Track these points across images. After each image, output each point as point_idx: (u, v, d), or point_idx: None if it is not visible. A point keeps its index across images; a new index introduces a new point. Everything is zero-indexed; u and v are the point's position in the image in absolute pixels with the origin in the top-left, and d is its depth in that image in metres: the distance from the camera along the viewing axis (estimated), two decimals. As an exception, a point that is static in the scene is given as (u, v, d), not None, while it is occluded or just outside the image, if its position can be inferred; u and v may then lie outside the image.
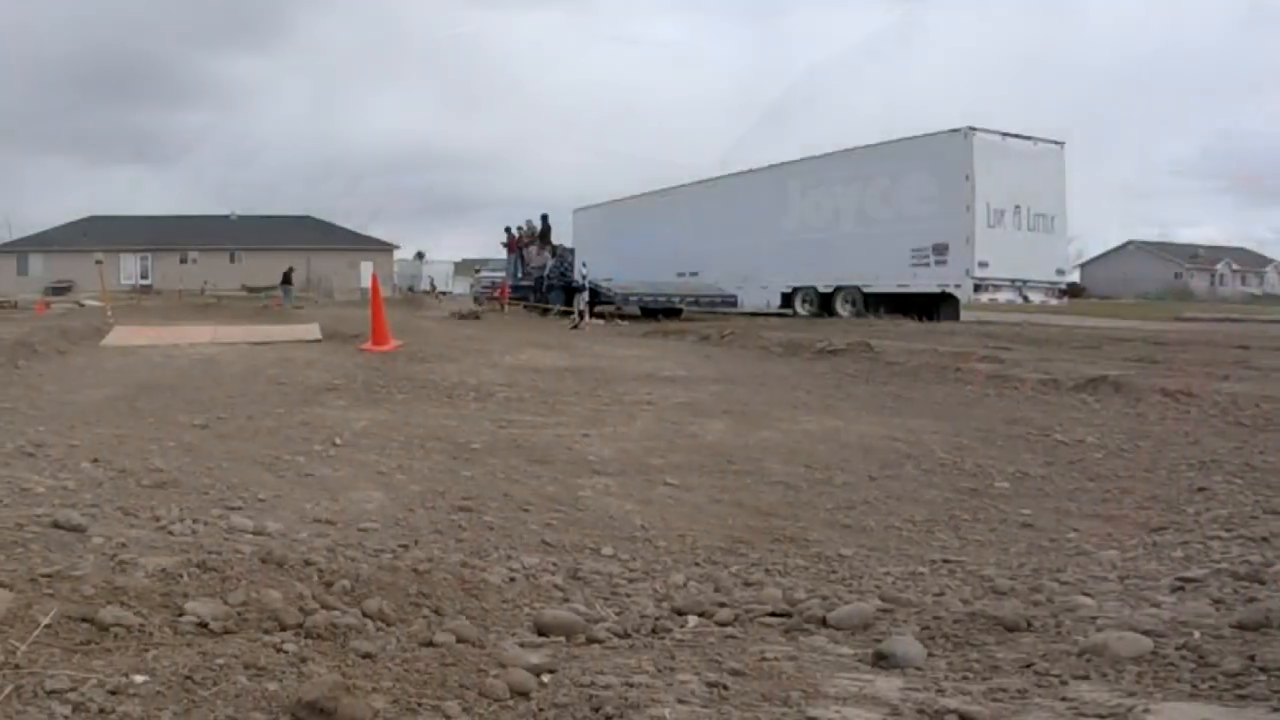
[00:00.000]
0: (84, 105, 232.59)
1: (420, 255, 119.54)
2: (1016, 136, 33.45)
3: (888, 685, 3.48)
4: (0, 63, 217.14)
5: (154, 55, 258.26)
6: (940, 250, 33.00)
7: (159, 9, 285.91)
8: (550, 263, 44.56)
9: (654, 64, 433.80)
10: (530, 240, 47.78)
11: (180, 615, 3.89)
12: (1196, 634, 3.75)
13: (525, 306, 42.64)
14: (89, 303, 49.08)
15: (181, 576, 4.31)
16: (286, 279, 64.26)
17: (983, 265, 32.09)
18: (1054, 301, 35.42)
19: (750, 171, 43.46)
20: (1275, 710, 3.07)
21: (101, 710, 2.94)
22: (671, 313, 39.04)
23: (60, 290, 78.72)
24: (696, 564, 6.16)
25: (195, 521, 6.02)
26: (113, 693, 3.05)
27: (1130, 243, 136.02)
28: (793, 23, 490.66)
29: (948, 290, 33.42)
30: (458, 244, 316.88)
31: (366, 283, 38.13)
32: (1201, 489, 7.76)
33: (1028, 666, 3.64)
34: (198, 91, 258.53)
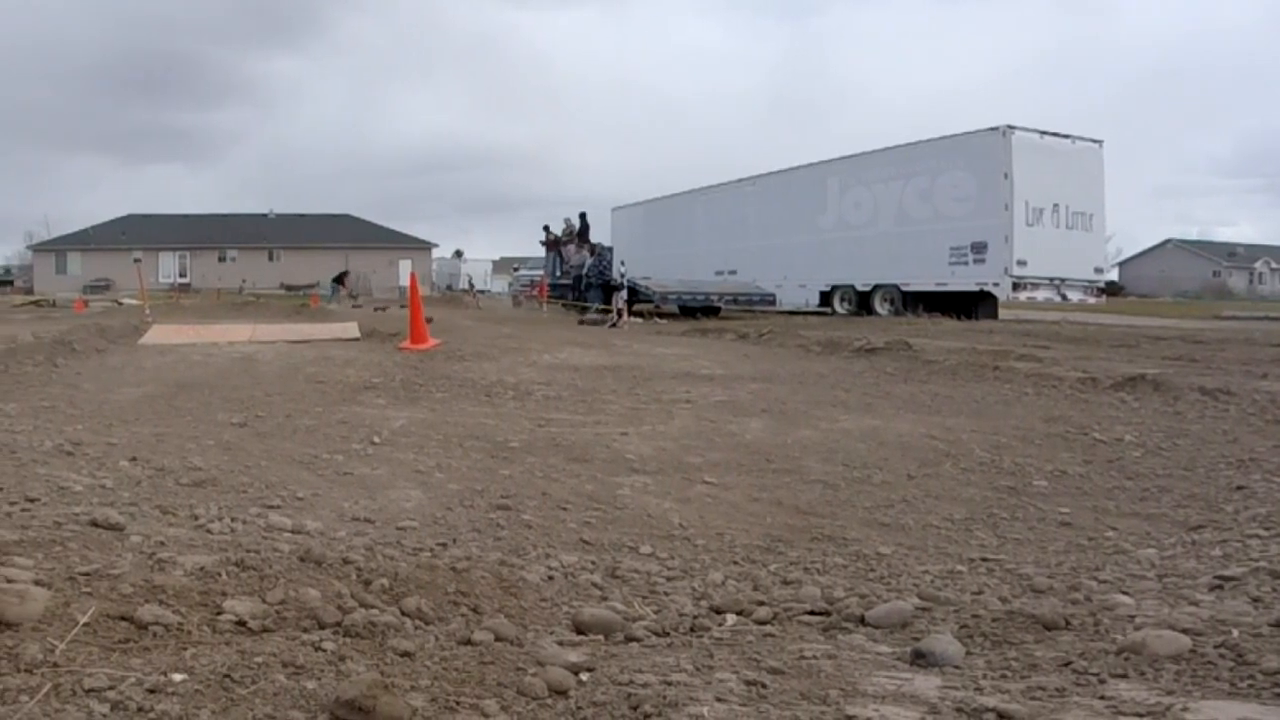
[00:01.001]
0: (122, 104, 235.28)
1: (459, 253, 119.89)
2: (1055, 135, 33.54)
3: (926, 684, 3.47)
4: (39, 62, 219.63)
5: (191, 55, 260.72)
6: (979, 249, 33.13)
7: (196, 9, 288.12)
8: (589, 261, 44.49)
9: (689, 63, 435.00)
10: (569, 239, 47.75)
11: (219, 614, 3.90)
12: (1235, 632, 3.72)
13: (564, 305, 42.64)
14: (127, 301, 49.47)
15: (220, 575, 4.33)
16: (339, 279, 64.27)
17: (1021, 264, 32.22)
18: (1092, 300, 35.46)
19: (789, 170, 43.58)
20: None
21: (140, 709, 2.95)
22: (710, 311, 39.12)
23: (98, 289, 79.42)
24: (735, 562, 6.15)
25: (234, 520, 6.06)
26: (151, 691, 3.06)
27: (1169, 241, 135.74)
28: (827, 22, 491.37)
29: (986, 289, 33.52)
30: (496, 242, 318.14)
31: (405, 281, 38.19)
32: (1240, 487, 7.73)
33: (1066, 665, 3.62)
34: (235, 90, 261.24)
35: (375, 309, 41.67)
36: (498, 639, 4.01)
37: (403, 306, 44.20)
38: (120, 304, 48.68)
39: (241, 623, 3.85)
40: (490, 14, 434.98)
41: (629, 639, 4.33)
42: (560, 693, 3.40)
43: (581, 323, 31.06)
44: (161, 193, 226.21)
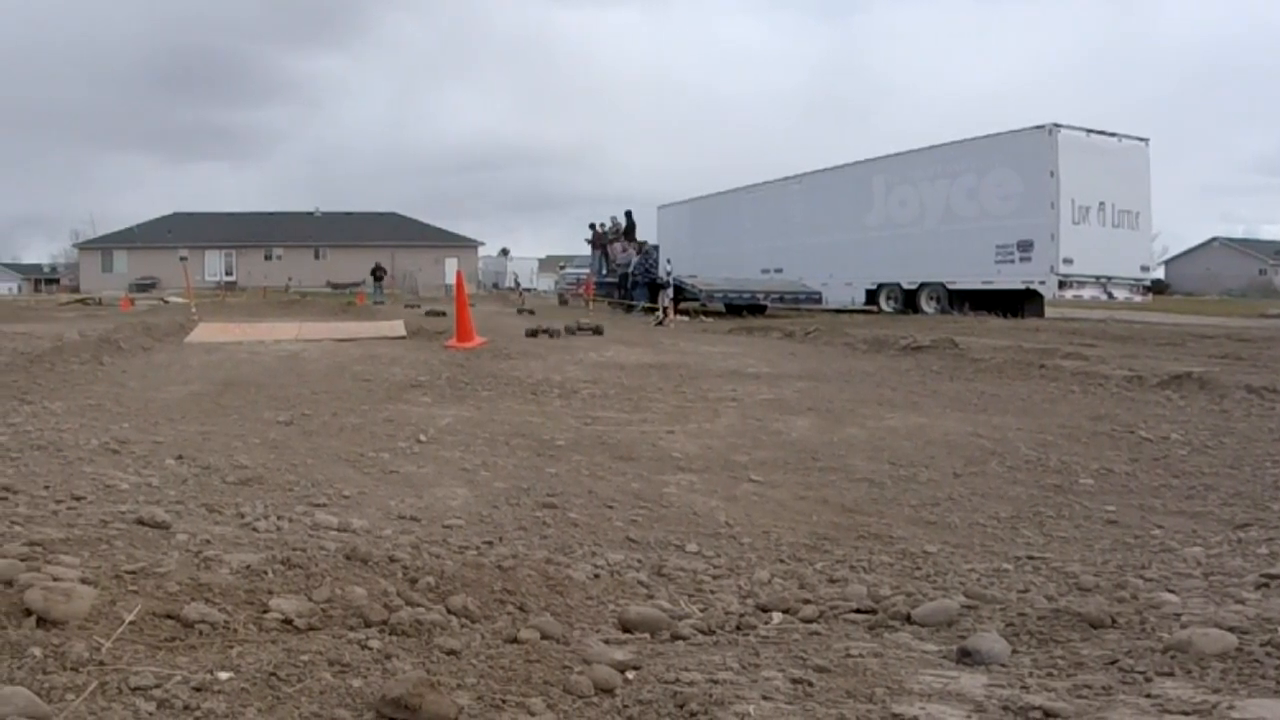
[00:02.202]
0: (166, 103, 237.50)
1: (505, 251, 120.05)
2: (1101, 133, 33.37)
3: (972, 682, 3.46)
4: (83, 62, 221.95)
5: (237, 53, 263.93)
6: (1025, 247, 33.04)
7: (240, 8, 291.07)
8: (635, 259, 44.68)
9: (732, 62, 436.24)
10: (615, 237, 47.94)
11: (265, 612, 3.94)
12: (1281, 630, 3.71)
13: (610, 303, 42.86)
14: (173, 299, 49.72)
15: (266, 573, 4.36)
16: (376, 275, 64.43)
17: (1067, 262, 32.12)
18: (1138, 298, 35.28)
19: (835, 168, 43.51)
20: None
21: (186, 707, 2.97)
22: (756, 309, 39.22)
23: (145, 287, 79.79)
24: (781, 560, 6.16)
25: (280, 518, 6.12)
26: (197, 689, 3.09)
27: (1214, 239, 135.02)
28: (871, 20, 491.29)
29: (1032, 287, 33.34)
30: (541, 240, 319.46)
31: (451, 279, 38.20)
32: (1286, 485, 7.67)
33: (1112, 663, 3.60)
34: (279, 89, 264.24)
35: (406, 305, 41.28)
36: (544, 637, 4.04)
37: (380, 303, 43.95)
38: (166, 302, 48.96)
39: (288, 621, 3.88)
40: (532, 12, 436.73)
41: (675, 637, 4.34)
42: (606, 691, 3.41)
43: (533, 334, 25.95)
44: (207, 191, 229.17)
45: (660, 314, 33.68)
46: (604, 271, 47.96)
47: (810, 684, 3.45)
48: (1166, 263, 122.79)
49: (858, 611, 4.68)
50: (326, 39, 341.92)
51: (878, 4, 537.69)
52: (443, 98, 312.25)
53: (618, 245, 46.92)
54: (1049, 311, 34.72)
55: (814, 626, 4.51)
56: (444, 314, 30.55)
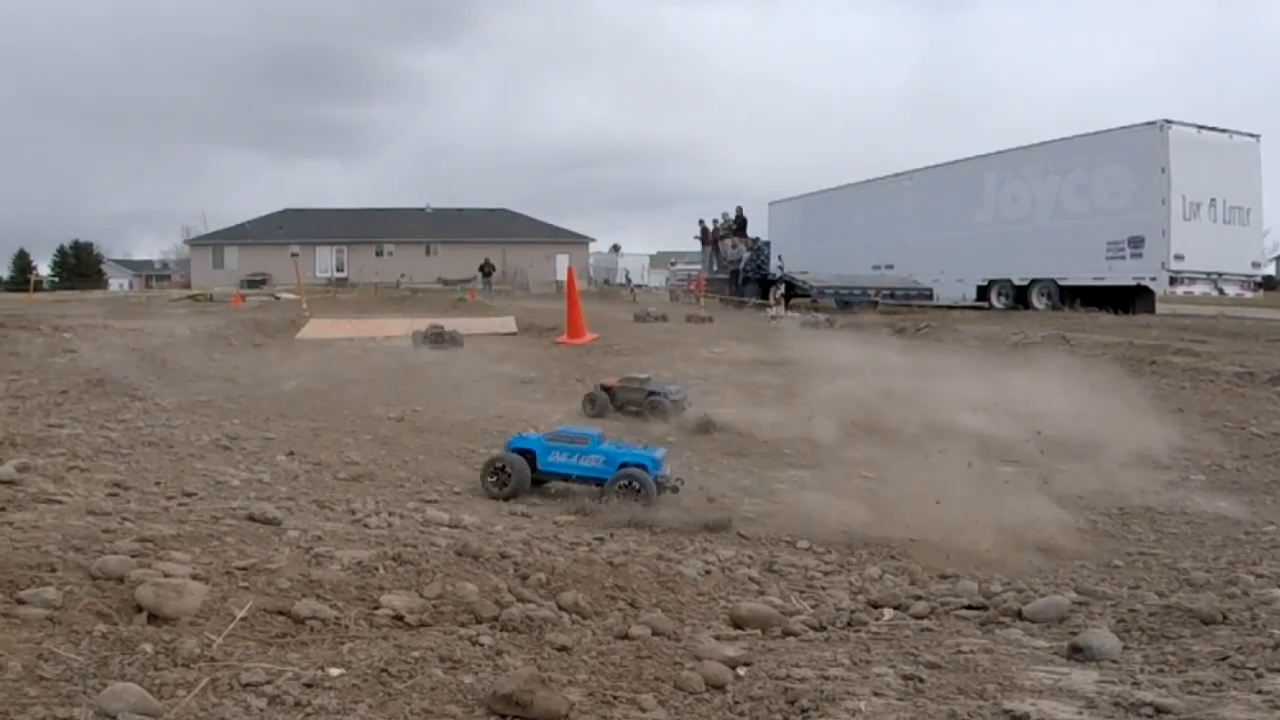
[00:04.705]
0: (278, 100, 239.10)
1: (616, 248, 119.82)
2: (1212, 129, 32.79)
3: (1083, 678, 3.48)
4: (196, 59, 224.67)
5: (343, 50, 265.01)
6: (1136, 243, 32.50)
7: (352, 5, 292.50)
8: (746, 255, 44.58)
9: (838, 58, 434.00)
10: (726, 233, 47.89)
11: (376, 608, 4.01)
12: (1393, 627, 3.67)
13: (720, 299, 42.50)
14: (284, 295, 49.74)
15: (377, 569, 4.42)
16: (484, 270, 64.41)
17: (1178, 258, 31.53)
18: (1249, 294, 34.73)
19: (945, 165, 43.05)
20: None
21: (297, 703, 3.03)
22: (866, 306, 38.59)
23: (256, 283, 79.71)
24: (892, 557, 6.13)
25: (391, 514, 6.17)
26: (308, 685, 3.15)
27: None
28: (977, 16, 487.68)
29: (1143, 283, 32.71)
30: (652, 238, 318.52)
31: (562, 275, 38.22)
32: (1398, 481, 7.51)
33: (1223, 659, 3.59)
34: (388, 85, 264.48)
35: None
36: (655, 633, 4.09)
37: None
38: (277, 298, 48.97)
39: (399, 617, 3.95)
40: (640, 9, 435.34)
41: (786, 633, 4.38)
42: (718, 687, 3.45)
43: None
44: (316, 187, 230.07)
45: (772, 310, 33.67)
46: (715, 268, 47.91)
47: (921, 680, 3.48)
48: (1278, 259, 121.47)
49: (969, 608, 4.71)
50: (436, 36, 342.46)
51: (984, 1, 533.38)
52: (552, 94, 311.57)
53: (728, 242, 46.92)
54: (1160, 308, 34.16)
55: (925, 623, 4.55)
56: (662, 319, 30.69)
